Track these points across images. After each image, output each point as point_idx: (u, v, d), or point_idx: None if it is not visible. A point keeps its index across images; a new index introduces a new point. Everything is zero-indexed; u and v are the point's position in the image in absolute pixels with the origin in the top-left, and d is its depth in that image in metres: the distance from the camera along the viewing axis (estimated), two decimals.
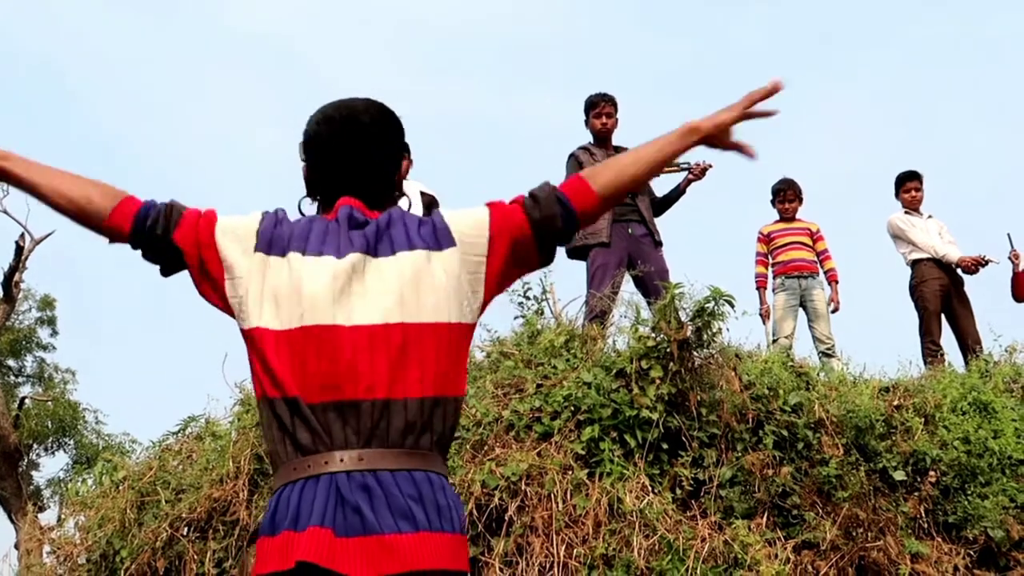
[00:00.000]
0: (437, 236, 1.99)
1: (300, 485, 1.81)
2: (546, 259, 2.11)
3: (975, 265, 7.51)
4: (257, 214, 2.04)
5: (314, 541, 1.75)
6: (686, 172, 6.65)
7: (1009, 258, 8.04)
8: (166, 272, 2.07)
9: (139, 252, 2.05)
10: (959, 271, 7.59)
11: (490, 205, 2.06)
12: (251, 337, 1.92)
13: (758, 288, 7.67)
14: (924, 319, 7.49)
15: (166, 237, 2.00)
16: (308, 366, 1.85)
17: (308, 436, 1.83)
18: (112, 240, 2.04)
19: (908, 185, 7.89)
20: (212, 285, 2.00)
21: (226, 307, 1.99)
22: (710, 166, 6.59)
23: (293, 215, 2.08)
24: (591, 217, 2.10)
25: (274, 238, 1.97)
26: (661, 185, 6.85)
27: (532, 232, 2.03)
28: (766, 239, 7.74)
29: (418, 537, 1.78)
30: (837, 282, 7.60)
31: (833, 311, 7.50)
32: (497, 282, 2.04)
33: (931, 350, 7.32)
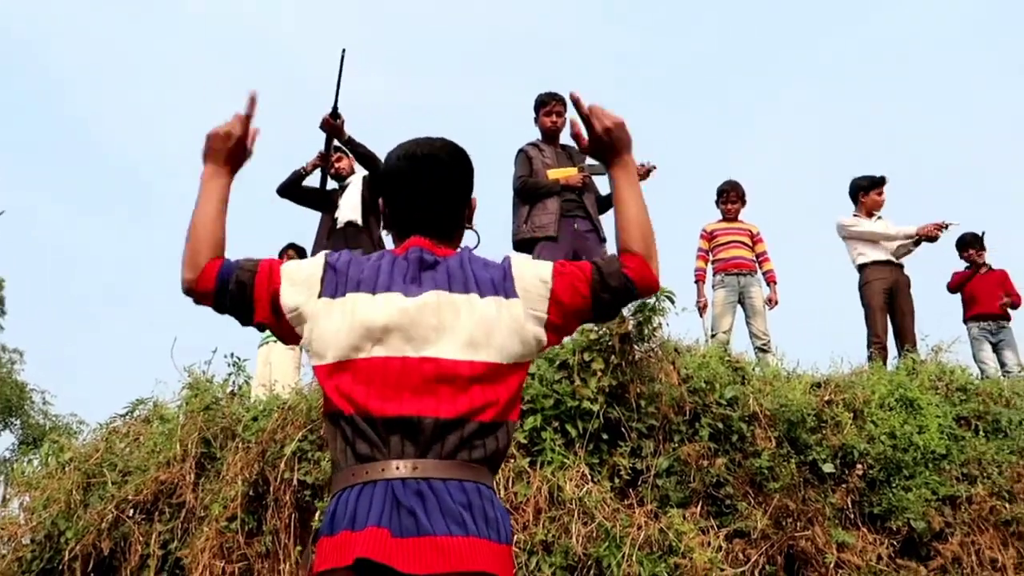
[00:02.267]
0: (506, 285, 2.10)
1: (358, 489, 1.91)
2: (601, 321, 2.33)
3: (936, 230, 7.69)
4: (320, 261, 2.13)
5: (372, 540, 1.83)
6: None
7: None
8: (245, 322, 2.16)
9: (217, 309, 2.16)
10: (920, 244, 7.76)
11: (557, 269, 2.16)
12: (322, 372, 2.02)
13: (696, 282, 7.76)
14: (869, 317, 7.60)
15: (243, 293, 2.11)
16: (374, 388, 1.95)
17: (367, 447, 1.93)
18: (198, 301, 2.16)
19: (867, 196, 7.98)
20: (288, 328, 2.11)
21: (299, 342, 2.12)
22: (654, 167, 6.62)
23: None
24: (649, 294, 2.31)
25: (339, 283, 2.07)
26: (606, 184, 6.86)
27: (592, 305, 2.15)
28: (708, 236, 7.83)
29: (468, 541, 1.86)
30: (775, 282, 7.72)
31: (771, 308, 7.62)
32: (556, 334, 2.15)
33: (875, 347, 7.40)
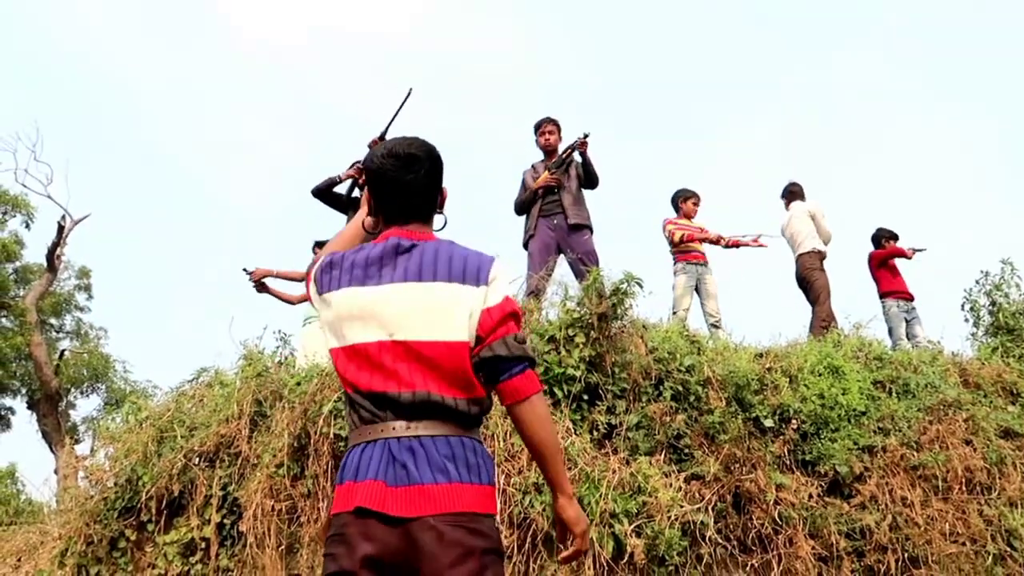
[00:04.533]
0: (479, 275, 2.03)
1: (363, 447, 1.94)
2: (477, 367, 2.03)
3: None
4: (319, 265, 2.12)
5: (370, 491, 1.87)
6: (576, 151, 6.55)
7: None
8: None
9: None
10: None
11: (504, 303, 2.02)
12: (332, 354, 2.04)
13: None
14: (826, 299, 7.55)
15: None
16: (365, 368, 1.96)
17: (368, 413, 1.95)
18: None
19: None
20: None
21: None
22: (587, 135, 6.49)
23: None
24: (504, 401, 2.01)
25: (325, 281, 2.07)
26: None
27: (489, 353, 1.98)
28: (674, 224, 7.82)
29: (450, 486, 1.87)
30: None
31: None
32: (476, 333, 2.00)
33: (832, 326, 7.17)
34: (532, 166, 6.74)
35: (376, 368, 1.94)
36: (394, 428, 1.91)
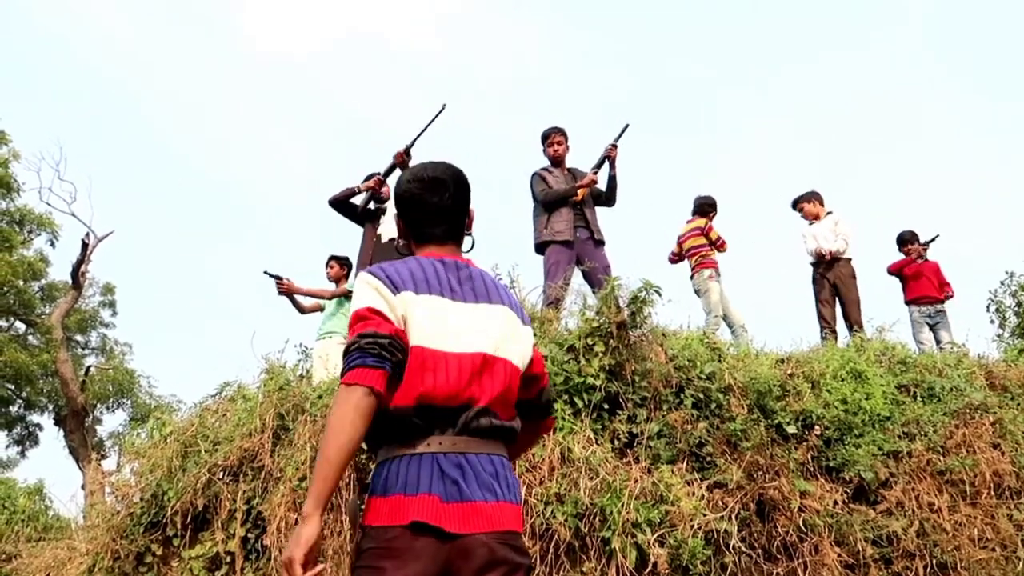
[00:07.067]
0: (522, 313, 2.20)
1: (407, 459, 1.91)
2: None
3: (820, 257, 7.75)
4: (367, 276, 2.03)
5: (426, 505, 1.86)
6: (607, 160, 6.57)
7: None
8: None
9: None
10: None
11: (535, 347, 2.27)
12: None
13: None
14: (818, 307, 7.70)
15: (404, 351, 1.95)
16: (426, 376, 1.93)
17: (414, 427, 1.93)
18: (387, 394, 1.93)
19: (799, 207, 8.11)
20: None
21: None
22: (627, 125, 6.53)
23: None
24: (541, 428, 2.42)
25: (396, 282, 2.01)
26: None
27: (534, 392, 2.27)
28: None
29: (497, 505, 1.93)
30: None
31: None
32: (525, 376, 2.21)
33: (824, 330, 7.57)
34: (548, 170, 6.66)
35: (442, 377, 1.93)
36: (440, 443, 1.92)
